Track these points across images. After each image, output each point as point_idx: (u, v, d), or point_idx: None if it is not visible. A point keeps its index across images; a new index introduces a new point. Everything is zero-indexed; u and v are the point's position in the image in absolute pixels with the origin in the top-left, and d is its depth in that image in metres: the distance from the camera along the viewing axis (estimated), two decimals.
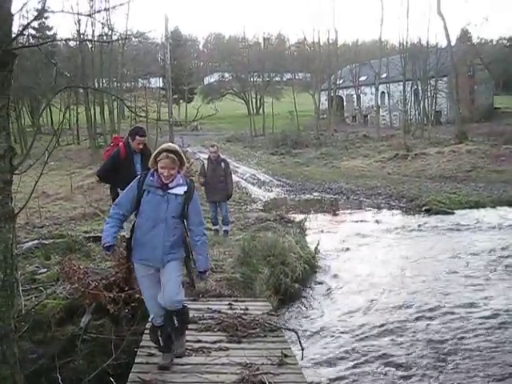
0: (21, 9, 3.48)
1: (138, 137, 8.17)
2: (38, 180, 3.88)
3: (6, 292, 3.36)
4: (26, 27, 3.21)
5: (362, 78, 58.73)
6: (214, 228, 12.14)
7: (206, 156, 13.17)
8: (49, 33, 48.64)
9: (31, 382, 4.52)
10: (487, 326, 8.15)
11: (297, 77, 74.72)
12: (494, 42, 67.18)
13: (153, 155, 5.20)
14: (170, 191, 5.13)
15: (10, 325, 3.47)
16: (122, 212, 5.23)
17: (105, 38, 33.66)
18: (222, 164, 12.08)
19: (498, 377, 6.54)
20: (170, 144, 5.49)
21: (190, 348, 5.81)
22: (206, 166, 12.18)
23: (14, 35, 3.20)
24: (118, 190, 7.76)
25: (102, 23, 35.74)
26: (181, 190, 5.18)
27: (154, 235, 5.11)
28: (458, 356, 7.13)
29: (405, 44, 46.97)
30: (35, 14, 23.61)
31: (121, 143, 8.44)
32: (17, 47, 3.39)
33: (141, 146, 8.20)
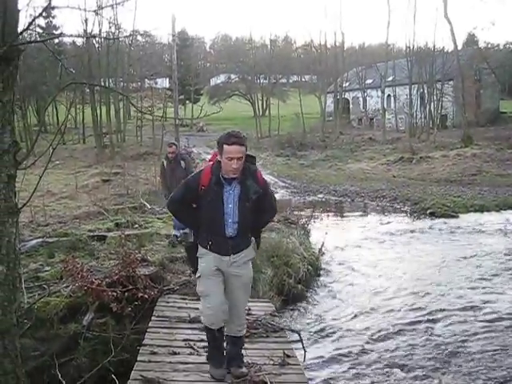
0: (27, 4, 3.49)
1: (226, 146, 4.56)
2: (43, 175, 3.89)
3: (8, 286, 3.37)
4: (32, 22, 3.22)
5: (369, 81, 58.65)
6: (182, 232, 10.45)
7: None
8: (55, 32, 48.77)
9: (33, 379, 4.53)
10: (490, 329, 8.13)
11: (303, 79, 74.74)
12: (501, 47, 66.94)
13: None
14: None
15: (12, 319, 3.48)
16: None
17: (111, 39, 33.70)
18: (182, 163, 10.52)
19: (500, 380, 6.53)
20: None
21: (192, 347, 5.82)
22: (165, 165, 10.80)
23: (20, 31, 3.23)
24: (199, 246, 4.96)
25: (109, 22, 35.79)
26: None
27: None
28: (461, 359, 7.12)
29: (411, 47, 46.94)
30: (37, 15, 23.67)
31: (207, 166, 4.93)
32: (22, 42, 3.41)
33: (234, 166, 4.55)
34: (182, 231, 10.60)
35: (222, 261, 4.83)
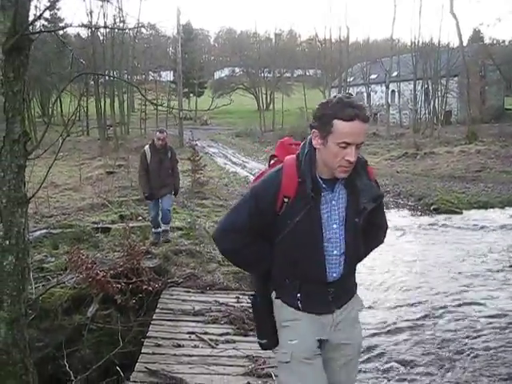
0: None
1: (340, 123, 2.57)
2: (52, 166, 3.89)
3: (17, 277, 3.39)
4: (44, 11, 3.26)
5: (373, 76, 58.59)
6: (154, 231, 10.05)
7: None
8: (60, 24, 48.78)
9: (38, 370, 4.53)
10: (495, 325, 8.10)
11: (307, 73, 74.71)
12: (507, 43, 66.71)
13: None
14: None
15: (21, 309, 3.50)
16: None
17: (116, 29, 33.78)
18: (169, 153, 9.95)
19: (504, 376, 6.51)
20: None
21: (197, 339, 5.83)
22: (148, 155, 9.77)
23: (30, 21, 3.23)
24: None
25: (114, 15, 35.85)
26: None
27: None
28: (465, 355, 7.10)
29: (416, 43, 46.93)
30: (47, 4, 23.68)
31: (288, 161, 2.81)
32: (33, 32, 3.41)
33: (351, 158, 2.61)
34: (157, 229, 10.04)
35: (322, 324, 2.90)
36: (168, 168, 9.86)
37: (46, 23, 44.99)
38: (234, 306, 6.87)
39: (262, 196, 2.73)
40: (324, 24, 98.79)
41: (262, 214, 2.74)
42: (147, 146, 9.97)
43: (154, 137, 10.07)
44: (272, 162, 3.04)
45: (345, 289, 2.92)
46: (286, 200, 2.67)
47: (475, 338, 7.68)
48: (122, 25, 33.92)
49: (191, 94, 65.88)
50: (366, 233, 2.92)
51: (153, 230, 10.10)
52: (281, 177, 2.70)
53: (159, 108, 33.78)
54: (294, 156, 2.77)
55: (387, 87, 46.31)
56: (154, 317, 6.54)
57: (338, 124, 2.52)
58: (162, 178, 9.70)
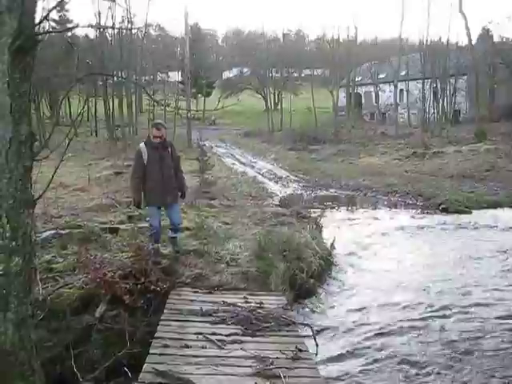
0: None
1: None
2: (58, 166, 3.89)
3: (24, 278, 3.38)
4: (50, 12, 3.25)
5: (381, 76, 58.39)
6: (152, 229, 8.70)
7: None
8: (69, 25, 48.99)
9: (46, 370, 4.54)
10: (505, 327, 8.05)
11: (315, 73, 74.56)
12: None
13: None
14: None
15: (28, 310, 3.50)
16: None
17: (124, 31, 33.87)
18: (169, 149, 8.50)
19: None
20: None
21: (204, 340, 5.82)
22: (144, 154, 8.29)
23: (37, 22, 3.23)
24: None
25: (122, 16, 35.99)
26: None
27: None
28: (475, 356, 7.06)
29: (425, 42, 46.72)
30: (55, 5, 23.77)
31: None
32: (40, 33, 3.41)
33: None
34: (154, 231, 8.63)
35: None
36: (170, 167, 8.43)
37: (54, 24, 45.17)
38: (242, 307, 6.86)
39: None
40: (332, 24, 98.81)
41: None
42: (142, 144, 8.51)
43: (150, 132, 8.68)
44: None
45: None
46: None
47: (485, 339, 7.64)
48: (129, 25, 34.00)
49: (199, 95, 65.93)
50: None
51: (151, 227, 8.83)
52: None
53: (167, 108, 33.85)
54: None
55: (395, 86, 46.15)
56: (161, 317, 6.53)
57: None
58: (165, 179, 8.32)
